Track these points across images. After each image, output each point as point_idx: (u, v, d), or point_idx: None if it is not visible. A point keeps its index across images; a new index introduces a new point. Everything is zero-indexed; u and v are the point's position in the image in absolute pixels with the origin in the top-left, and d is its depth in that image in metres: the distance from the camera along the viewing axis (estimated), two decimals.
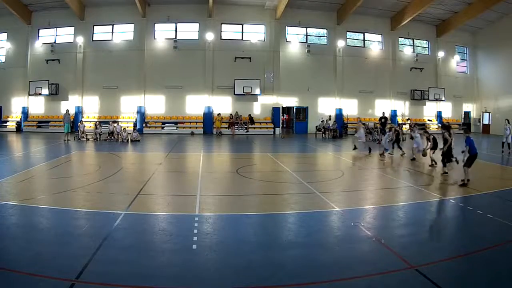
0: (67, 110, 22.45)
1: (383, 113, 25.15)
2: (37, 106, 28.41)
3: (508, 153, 16.73)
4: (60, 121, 24.71)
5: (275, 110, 28.90)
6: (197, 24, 28.41)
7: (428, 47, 32.37)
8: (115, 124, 22.25)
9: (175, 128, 27.86)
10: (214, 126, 27.73)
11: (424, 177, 11.76)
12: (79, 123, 23.26)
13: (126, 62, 27.65)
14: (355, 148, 17.74)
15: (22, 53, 27.81)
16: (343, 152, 18.55)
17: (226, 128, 27.81)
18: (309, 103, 29.74)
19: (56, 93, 27.64)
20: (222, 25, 28.74)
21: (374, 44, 30.95)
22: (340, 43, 29.42)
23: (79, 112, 27.71)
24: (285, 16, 28.07)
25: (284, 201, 8.64)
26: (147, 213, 7.38)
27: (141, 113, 27.98)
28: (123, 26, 28.26)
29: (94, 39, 28.20)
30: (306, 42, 29.63)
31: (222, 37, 28.74)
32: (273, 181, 10.98)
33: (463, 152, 10.24)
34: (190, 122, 28.23)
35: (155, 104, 28.47)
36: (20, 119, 28.03)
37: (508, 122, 17.40)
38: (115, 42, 28.20)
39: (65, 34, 28.27)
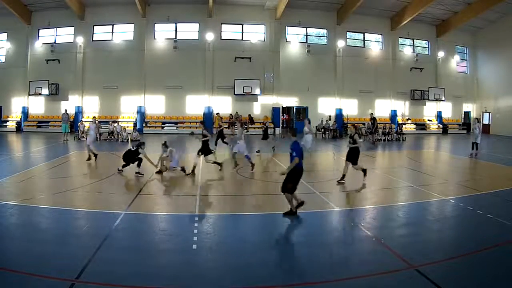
0: (66, 110, 22.46)
1: (372, 114, 24.85)
2: (37, 106, 28.38)
3: (475, 154, 15.66)
4: (60, 121, 24.70)
5: (275, 110, 28.89)
6: (197, 24, 28.40)
7: (428, 47, 32.36)
8: (115, 124, 22.26)
9: (175, 128, 27.86)
10: (214, 126, 27.70)
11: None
12: (79, 123, 23.26)
13: (126, 62, 27.63)
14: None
15: (22, 53, 27.79)
16: (343, 152, 18.52)
17: (226, 128, 27.77)
18: (309, 103, 29.72)
19: (56, 93, 27.62)
20: (222, 25, 28.72)
21: (374, 44, 30.95)
22: (340, 43, 29.41)
23: (79, 112, 27.70)
24: (285, 16, 28.06)
25: (284, 201, 8.62)
26: (147, 213, 7.38)
27: (141, 113, 27.98)
28: (123, 26, 28.24)
29: (94, 39, 28.18)
30: (306, 42, 29.62)
31: (222, 37, 28.72)
32: (273, 181, 10.95)
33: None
34: (190, 122, 28.22)
35: (155, 104, 28.46)
36: (20, 119, 28.01)
37: (478, 121, 17.01)
38: (115, 42, 28.18)
39: (65, 34, 28.24)
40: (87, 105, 28.23)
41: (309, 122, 15.46)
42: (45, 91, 27.11)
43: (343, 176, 10.23)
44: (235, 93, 27.92)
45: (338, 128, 27.45)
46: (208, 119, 28.08)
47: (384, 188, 10.02)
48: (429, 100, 31.08)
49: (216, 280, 4.58)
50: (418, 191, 9.55)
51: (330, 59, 29.64)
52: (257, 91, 27.91)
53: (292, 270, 4.86)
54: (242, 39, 28.87)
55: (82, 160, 14.93)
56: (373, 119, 23.40)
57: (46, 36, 28.20)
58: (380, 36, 30.95)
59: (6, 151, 17.29)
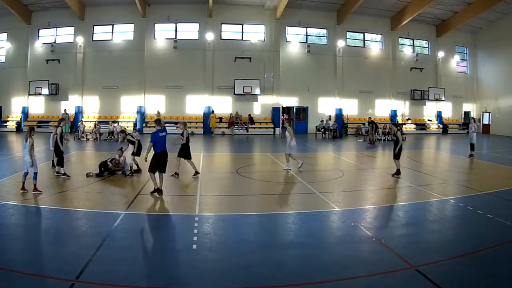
0: (65, 110, 22.46)
1: (369, 117, 24.80)
2: (37, 106, 28.37)
3: (469, 155, 15.59)
4: None
5: (275, 110, 28.90)
6: (197, 24, 28.39)
7: (428, 47, 32.35)
8: (115, 124, 22.26)
9: (175, 128, 27.80)
10: (210, 125, 27.48)
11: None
12: (79, 123, 23.27)
13: (126, 62, 27.62)
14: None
15: (22, 53, 27.79)
16: (343, 152, 18.57)
17: (226, 128, 27.83)
18: (309, 103, 29.73)
19: (56, 93, 27.61)
20: (222, 25, 28.71)
21: (374, 44, 30.95)
22: (340, 43, 29.40)
23: (79, 112, 27.68)
24: (285, 16, 28.06)
25: (284, 201, 8.64)
26: (147, 213, 7.38)
27: (141, 113, 27.98)
28: (123, 26, 28.24)
29: (94, 39, 28.17)
30: (306, 42, 29.61)
31: (222, 37, 28.72)
32: (273, 181, 10.97)
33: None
34: (190, 122, 28.18)
35: (155, 104, 28.41)
36: (20, 119, 28.00)
37: (474, 121, 16.89)
38: (115, 42, 28.17)
39: (65, 34, 28.24)
40: (87, 105, 28.21)
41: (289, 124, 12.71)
42: (45, 91, 27.09)
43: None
44: (235, 93, 27.92)
45: (338, 128, 27.45)
46: (208, 119, 28.08)
47: (384, 188, 10.02)
48: (429, 100, 31.09)
49: (216, 280, 4.58)
50: (418, 191, 9.55)
51: (330, 59, 29.63)
52: (257, 91, 27.91)
53: (292, 270, 4.86)
54: (242, 39, 28.88)
55: (82, 160, 14.96)
56: (371, 122, 23.26)
57: (46, 36, 28.20)
58: (380, 36, 30.95)
59: (6, 151, 17.29)
